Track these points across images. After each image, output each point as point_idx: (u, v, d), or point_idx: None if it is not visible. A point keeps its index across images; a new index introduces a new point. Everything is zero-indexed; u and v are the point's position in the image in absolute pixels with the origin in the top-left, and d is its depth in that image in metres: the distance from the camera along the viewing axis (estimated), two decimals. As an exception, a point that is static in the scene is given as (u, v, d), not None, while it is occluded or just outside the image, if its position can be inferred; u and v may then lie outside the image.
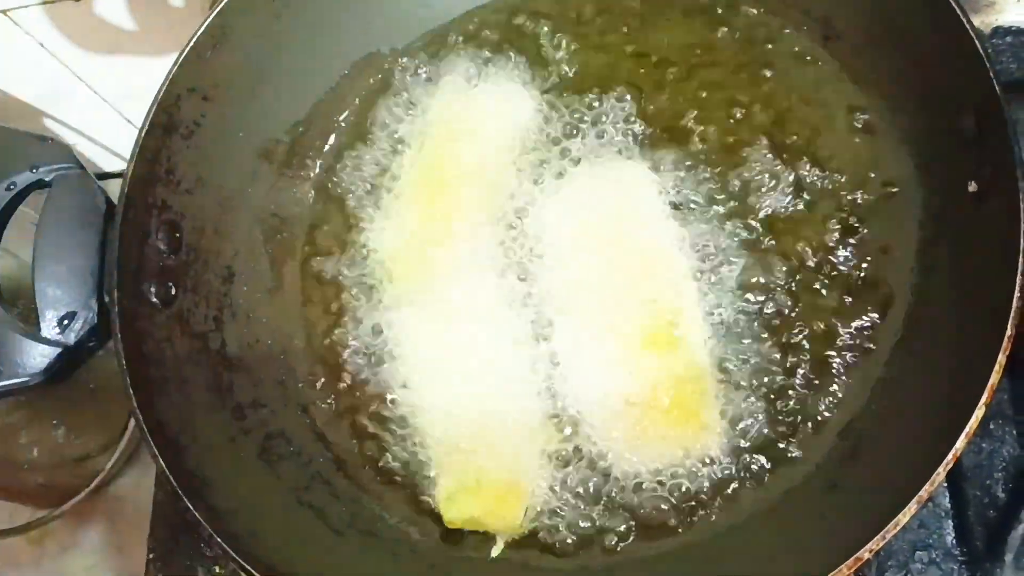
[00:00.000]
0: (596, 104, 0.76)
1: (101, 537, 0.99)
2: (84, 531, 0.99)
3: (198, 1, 0.92)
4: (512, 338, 0.70)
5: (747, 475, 0.65)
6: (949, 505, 0.68)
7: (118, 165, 0.93)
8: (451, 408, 0.69)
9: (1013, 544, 0.63)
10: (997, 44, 0.79)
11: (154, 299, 0.66)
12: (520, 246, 0.73)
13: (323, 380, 0.73)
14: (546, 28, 0.79)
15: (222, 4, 0.69)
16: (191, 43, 0.69)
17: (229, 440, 0.67)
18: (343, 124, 0.80)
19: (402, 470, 0.70)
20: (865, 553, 0.52)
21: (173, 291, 0.68)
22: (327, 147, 0.80)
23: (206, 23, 0.69)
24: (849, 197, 0.70)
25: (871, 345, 0.66)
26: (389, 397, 0.71)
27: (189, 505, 0.58)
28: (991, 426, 0.68)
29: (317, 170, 0.79)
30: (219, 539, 0.57)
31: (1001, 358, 0.53)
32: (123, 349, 0.62)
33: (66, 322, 0.63)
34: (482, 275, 0.72)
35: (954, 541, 0.67)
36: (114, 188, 0.67)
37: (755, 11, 0.76)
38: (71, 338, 0.63)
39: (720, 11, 0.77)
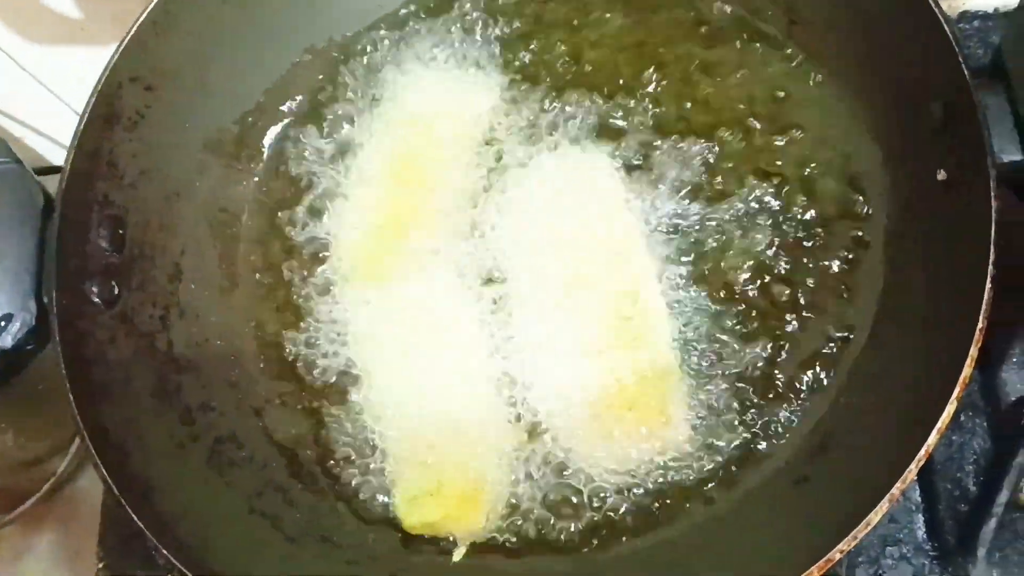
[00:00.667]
0: (556, 95, 0.74)
1: (55, 542, 0.97)
2: (37, 536, 0.96)
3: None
4: (472, 337, 0.68)
5: (715, 474, 0.64)
6: (920, 499, 0.67)
7: (63, 159, 0.91)
8: (410, 410, 0.67)
9: (985, 538, 0.62)
10: (964, 29, 0.78)
11: (96, 299, 0.64)
12: (480, 240, 0.71)
13: (276, 381, 0.71)
14: (504, 18, 0.77)
15: (165, -10, 0.67)
16: (133, 30, 0.66)
17: (177, 445, 0.65)
18: (294, 114, 0.78)
19: (359, 474, 0.67)
20: (836, 553, 0.51)
21: (116, 290, 0.66)
22: (277, 138, 0.77)
23: (148, 9, 0.67)
24: (816, 188, 0.68)
25: (843, 337, 0.65)
26: (345, 399, 0.69)
27: (132, 513, 0.56)
28: (961, 418, 0.67)
29: (267, 162, 0.76)
30: (164, 549, 0.55)
31: (973, 351, 0.52)
32: (63, 352, 0.60)
33: (2, 324, 0.61)
34: (441, 271, 0.71)
35: (925, 535, 0.67)
36: (57, 183, 0.64)
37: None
38: (8, 341, 0.61)
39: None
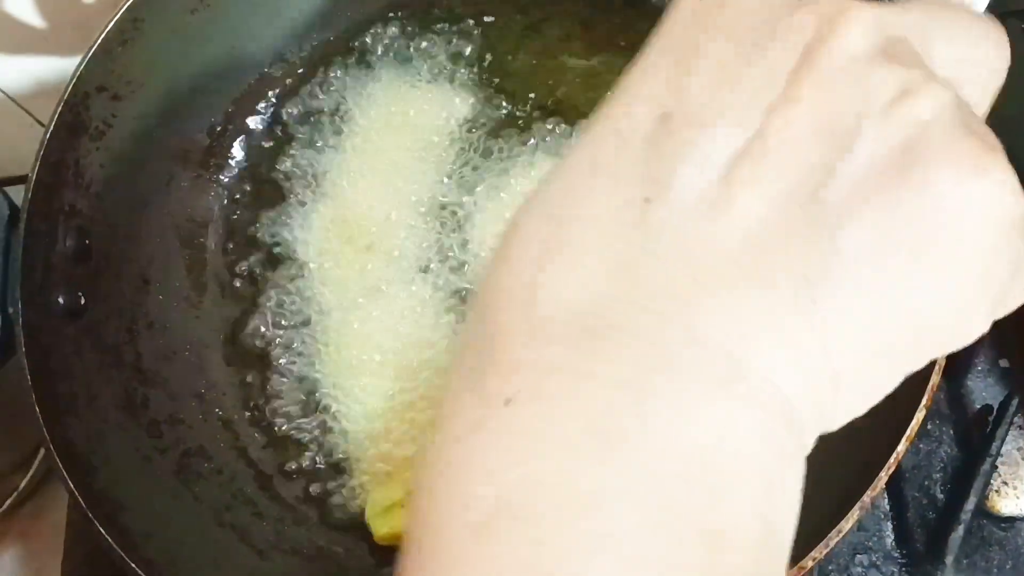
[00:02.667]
0: (531, 100, 0.74)
1: (18, 559, 0.95)
2: (-1, 553, 0.94)
3: (110, -2, 0.88)
4: (446, 350, 0.68)
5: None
6: (888, 507, 0.67)
7: (28, 168, 0.90)
8: (382, 417, 0.67)
9: (953, 545, 0.63)
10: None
11: (62, 310, 0.63)
12: (456, 244, 0.71)
13: (246, 391, 0.70)
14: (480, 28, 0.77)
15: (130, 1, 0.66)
16: (99, 39, 0.66)
17: (144, 459, 0.64)
18: (264, 123, 0.77)
19: (330, 485, 0.67)
20: (808, 561, 0.51)
21: (83, 301, 0.65)
22: (246, 148, 0.76)
23: (115, 18, 0.66)
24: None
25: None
26: (315, 406, 0.69)
27: (100, 529, 0.55)
28: (928, 426, 0.68)
29: (236, 171, 0.76)
30: (133, 565, 0.54)
31: (940, 359, 0.52)
32: (29, 364, 0.59)
33: (-35, 337, 0.60)
34: (415, 275, 0.70)
35: (894, 543, 0.67)
36: (22, 193, 0.63)
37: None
38: (-30, 354, 0.60)
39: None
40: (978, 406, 0.67)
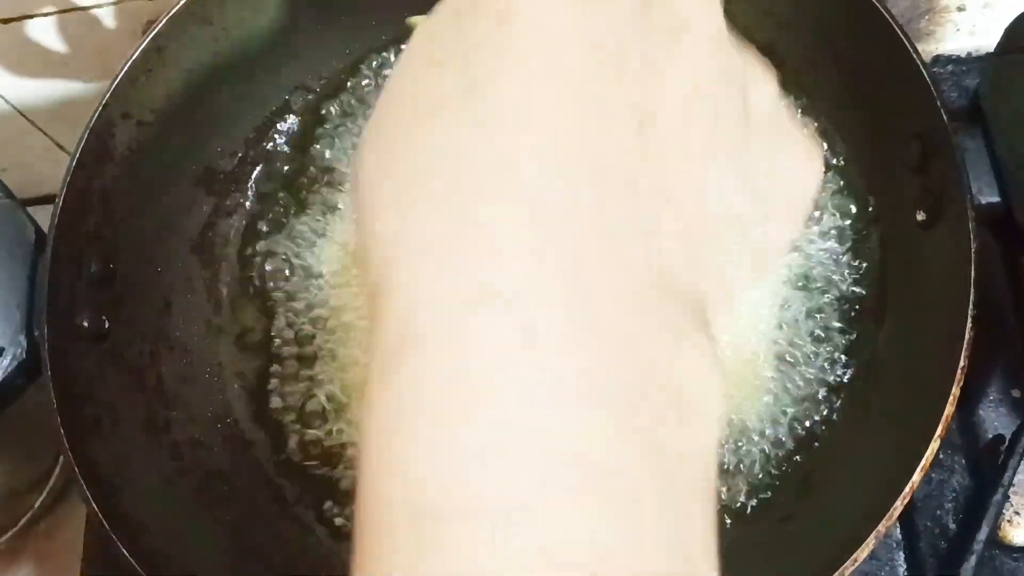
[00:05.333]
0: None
1: (30, 577, 0.95)
2: (12, 572, 0.95)
3: (130, 24, 0.89)
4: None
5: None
6: (900, 536, 0.68)
7: (48, 191, 0.91)
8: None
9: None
10: (938, 73, 0.80)
11: (87, 334, 0.64)
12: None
13: (266, 415, 0.71)
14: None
15: (157, 28, 0.67)
16: (125, 68, 0.66)
17: (165, 481, 0.64)
18: (284, 148, 0.78)
19: (349, 510, 0.67)
20: (823, 591, 0.52)
21: (107, 325, 0.65)
22: (267, 172, 0.77)
23: (141, 47, 0.66)
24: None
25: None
26: (334, 430, 0.69)
27: (125, 552, 0.56)
28: (940, 455, 0.68)
29: (256, 196, 0.77)
30: (154, 587, 0.55)
31: (955, 390, 0.53)
32: (54, 387, 0.59)
33: (-7, 359, 0.60)
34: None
35: (906, 573, 0.67)
36: (43, 215, 0.64)
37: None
38: (-2, 376, 0.60)
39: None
40: (990, 436, 0.68)
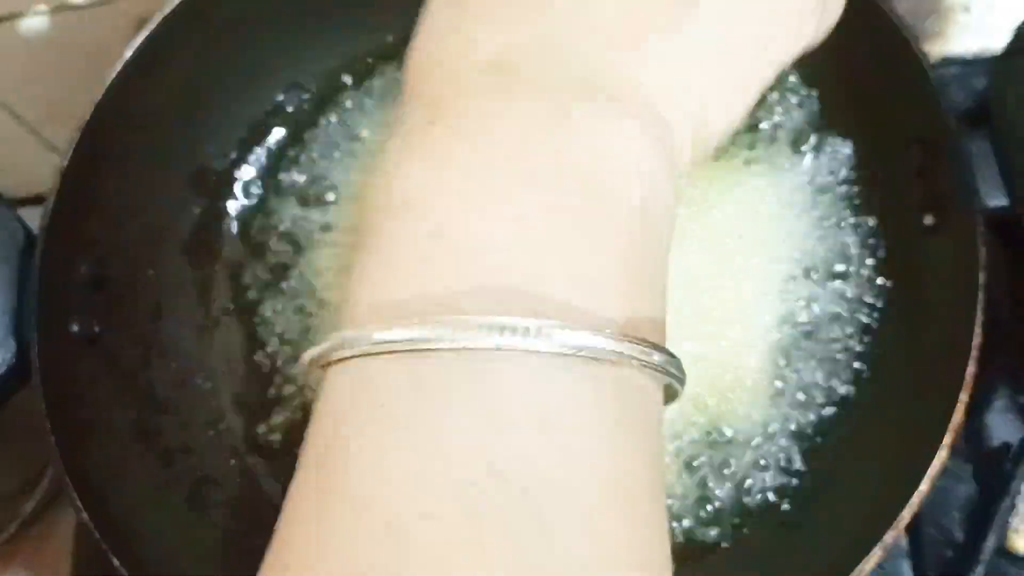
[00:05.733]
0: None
1: (21, 583, 0.94)
2: (2, 577, 0.94)
3: (123, 23, 0.89)
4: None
5: (699, 516, 0.64)
6: (906, 545, 0.67)
7: (37, 191, 0.90)
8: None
9: (972, 585, 0.62)
10: (944, 75, 0.79)
11: (77, 338, 0.63)
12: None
13: (258, 422, 0.69)
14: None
15: (152, 27, 0.66)
16: (119, 67, 0.65)
17: (156, 488, 0.63)
18: (278, 151, 0.77)
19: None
20: (829, 602, 0.51)
21: (98, 329, 0.65)
22: (260, 175, 0.76)
23: (135, 47, 0.66)
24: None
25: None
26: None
27: (113, 557, 0.55)
28: (948, 463, 0.67)
29: (248, 198, 0.76)
30: (145, 595, 0.54)
31: (964, 396, 0.52)
32: (44, 391, 0.58)
33: (-19, 363, 0.60)
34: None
35: (912, 582, 0.66)
36: (33, 216, 0.63)
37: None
38: (-13, 380, 0.59)
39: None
40: (996, 443, 0.67)
